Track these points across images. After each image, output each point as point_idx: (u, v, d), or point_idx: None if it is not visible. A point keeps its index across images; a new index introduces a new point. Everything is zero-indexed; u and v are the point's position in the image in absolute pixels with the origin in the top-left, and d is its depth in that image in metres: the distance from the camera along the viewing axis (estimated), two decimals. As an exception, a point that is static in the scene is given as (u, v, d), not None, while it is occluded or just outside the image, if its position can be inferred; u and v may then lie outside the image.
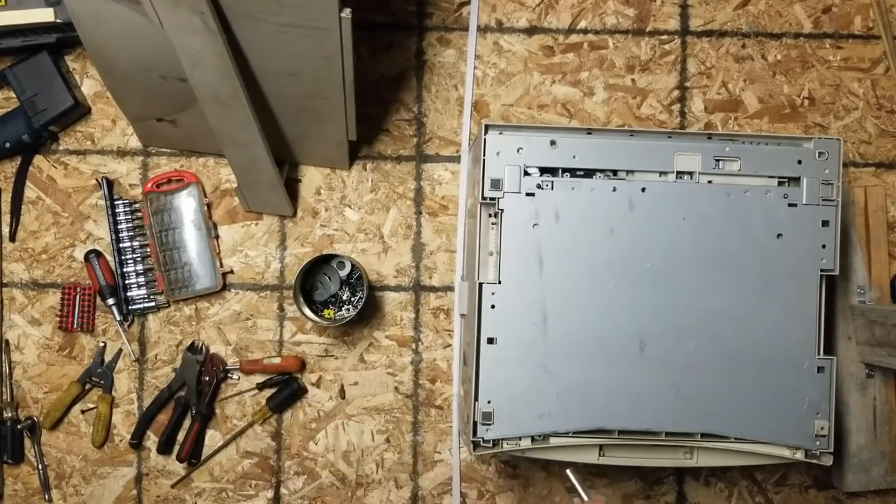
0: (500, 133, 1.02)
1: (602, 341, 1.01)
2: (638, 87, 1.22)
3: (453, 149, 1.22)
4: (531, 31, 1.22)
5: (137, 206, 1.19)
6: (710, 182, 1.03)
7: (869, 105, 1.23)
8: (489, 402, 1.00)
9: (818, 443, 1.01)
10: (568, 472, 0.94)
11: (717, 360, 1.01)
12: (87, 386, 1.19)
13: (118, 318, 1.18)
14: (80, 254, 1.19)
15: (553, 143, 1.02)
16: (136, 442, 1.18)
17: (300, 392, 1.18)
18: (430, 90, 1.22)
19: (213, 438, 1.19)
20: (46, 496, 1.18)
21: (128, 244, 1.19)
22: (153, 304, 1.19)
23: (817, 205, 1.02)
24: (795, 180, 1.03)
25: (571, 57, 1.22)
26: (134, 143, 1.21)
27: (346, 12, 0.89)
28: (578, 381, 1.00)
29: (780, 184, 1.04)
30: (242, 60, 0.97)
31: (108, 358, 1.19)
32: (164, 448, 1.18)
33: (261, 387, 1.19)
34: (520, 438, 1.00)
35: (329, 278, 1.16)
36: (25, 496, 1.19)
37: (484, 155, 1.02)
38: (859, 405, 1.14)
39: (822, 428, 1.01)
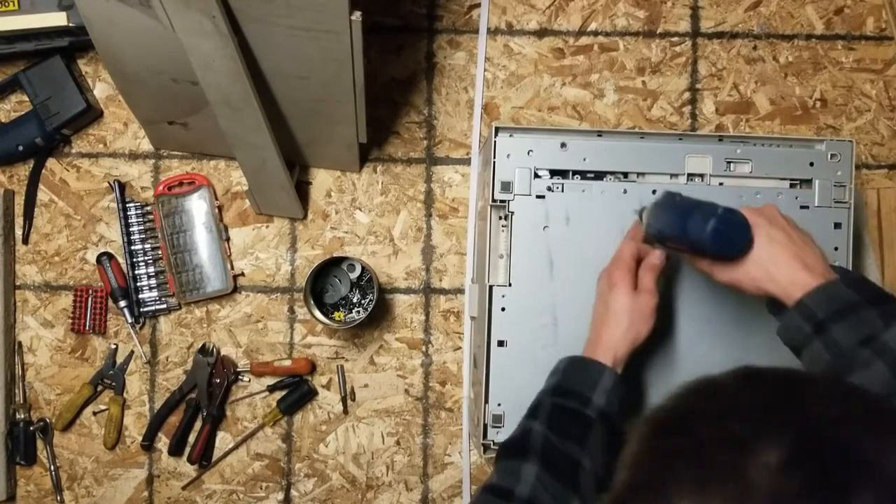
0: (510, 135, 1.02)
1: (613, 344, 1.00)
2: (648, 89, 1.22)
3: (463, 151, 1.21)
4: (541, 33, 1.22)
5: (149, 208, 1.20)
6: (721, 184, 1.03)
7: (882, 107, 1.22)
8: (499, 404, 1.00)
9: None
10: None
11: (727, 363, 0.98)
12: (99, 388, 1.19)
13: (130, 321, 1.18)
14: (92, 256, 1.20)
15: (563, 145, 1.02)
16: (148, 444, 1.19)
17: (310, 394, 1.19)
18: (441, 93, 1.22)
19: (223, 440, 1.20)
20: (58, 497, 1.19)
21: (139, 247, 1.19)
22: (164, 306, 1.19)
23: (830, 207, 1.02)
24: (807, 182, 1.02)
25: (581, 59, 1.22)
26: (145, 146, 1.21)
27: (357, 16, 0.89)
28: (589, 384, 1.00)
29: (791, 186, 1.03)
30: (253, 63, 0.98)
31: (119, 360, 1.19)
32: (176, 450, 1.18)
33: (271, 389, 1.19)
34: (530, 441, 1.00)
35: (339, 281, 1.16)
36: (38, 497, 1.19)
37: (494, 157, 1.01)
38: (872, 409, 1.12)
39: (834, 432, 1.00)
